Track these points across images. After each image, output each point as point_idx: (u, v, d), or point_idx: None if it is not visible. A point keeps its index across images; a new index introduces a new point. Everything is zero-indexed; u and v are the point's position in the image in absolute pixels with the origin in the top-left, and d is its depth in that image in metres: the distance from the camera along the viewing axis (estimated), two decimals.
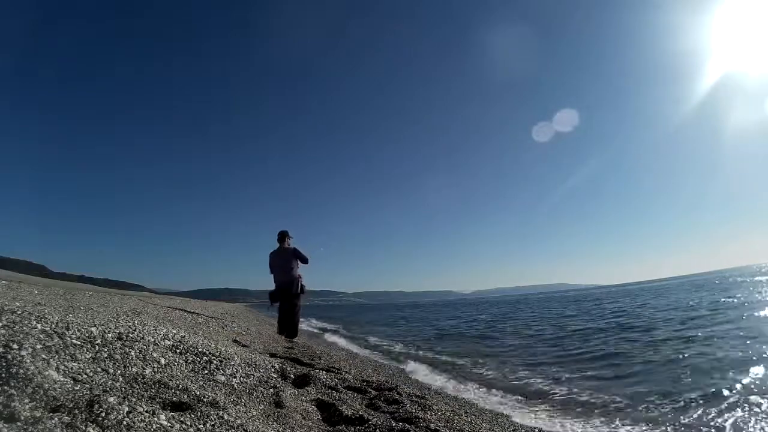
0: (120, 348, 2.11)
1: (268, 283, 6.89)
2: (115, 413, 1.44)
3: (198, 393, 1.87)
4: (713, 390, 3.87)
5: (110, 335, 2.21)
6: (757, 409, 3.29)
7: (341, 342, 9.93)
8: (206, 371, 2.33)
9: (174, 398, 1.76)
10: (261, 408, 2.11)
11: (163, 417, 1.55)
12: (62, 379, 1.60)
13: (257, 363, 2.80)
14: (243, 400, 2.12)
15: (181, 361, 2.31)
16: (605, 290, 64.67)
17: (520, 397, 4.30)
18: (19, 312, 2.13)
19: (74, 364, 1.77)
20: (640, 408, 3.63)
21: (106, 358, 1.96)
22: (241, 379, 2.43)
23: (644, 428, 3.18)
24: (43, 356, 1.71)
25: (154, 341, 2.42)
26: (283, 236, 6.90)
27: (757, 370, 4.38)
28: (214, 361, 2.48)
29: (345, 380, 3.26)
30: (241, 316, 11.89)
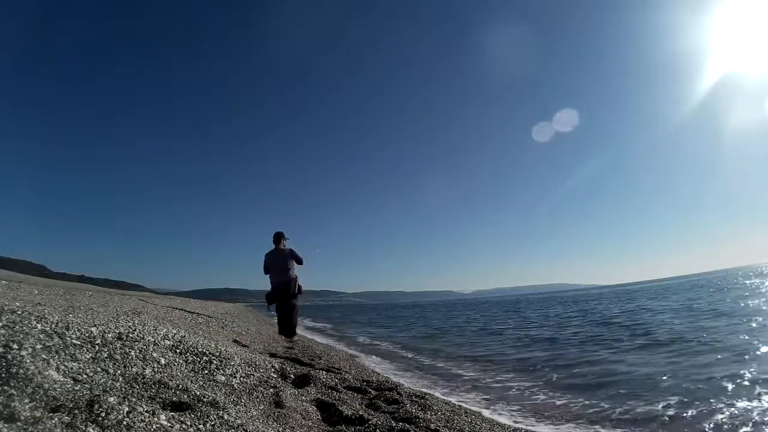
0: (120, 348, 2.11)
1: (268, 283, 6.90)
2: (115, 413, 1.44)
3: (198, 393, 1.87)
4: (702, 395, 3.78)
5: (110, 335, 2.21)
6: (749, 414, 3.23)
7: (329, 342, 10.01)
8: (206, 371, 2.33)
9: (174, 398, 1.76)
10: (261, 408, 2.11)
11: (163, 417, 1.55)
12: (62, 379, 1.60)
13: (257, 363, 2.80)
14: (243, 400, 2.12)
15: (181, 361, 2.31)
16: (605, 290, 64.67)
17: (489, 397, 4.27)
18: (19, 312, 2.13)
19: (74, 364, 1.77)
20: (622, 411, 3.54)
21: (106, 358, 1.96)
22: (241, 379, 2.43)
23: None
24: (43, 356, 1.71)
25: (154, 341, 2.42)
26: (278, 237, 6.94)
27: (753, 372, 4.36)
28: (214, 361, 2.48)
29: (345, 380, 3.26)
30: (241, 316, 11.90)
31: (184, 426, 1.55)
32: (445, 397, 4.00)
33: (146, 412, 1.53)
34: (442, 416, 2.64)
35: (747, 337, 6.43)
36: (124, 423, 1.41)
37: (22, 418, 1.28)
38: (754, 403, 3.43)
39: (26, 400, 1.38)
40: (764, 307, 10.70)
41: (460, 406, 3.60)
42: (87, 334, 2.10)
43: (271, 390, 2.42)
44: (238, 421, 1.72)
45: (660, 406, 3.59)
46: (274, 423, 1.98)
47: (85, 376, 1.70)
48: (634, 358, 5.74)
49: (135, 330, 2.47)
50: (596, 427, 3.28)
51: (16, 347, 1.67)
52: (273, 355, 3.99)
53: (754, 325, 7.75)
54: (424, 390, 4.03)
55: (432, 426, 2.33)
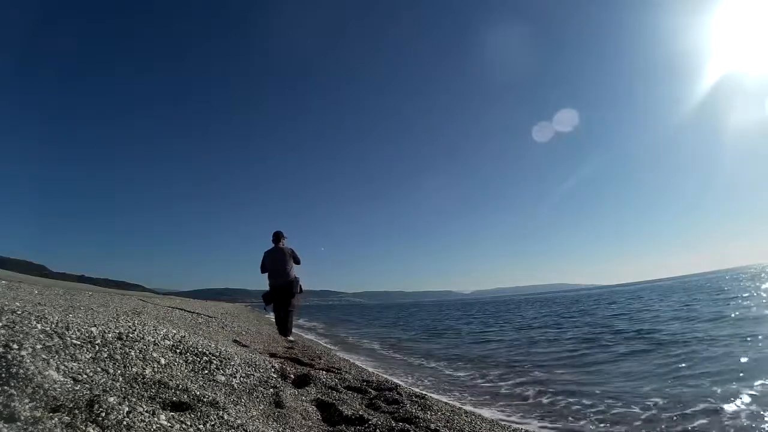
0: (120, 348, 2.11)
1: (267, 283, 6.90)
2: (115, 413, 1.44)
3: (198, 393, 1.87)
4: (685, 399, 3.77)
5: (110, 335, 2.21)
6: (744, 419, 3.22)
7: (319, 341, 10.07)
8: (206, 371, 2.33)
9: (174, 398, 1.76)
10: (261, 408, 2.11)
11: (163, 417, 1.55)
12: (62, 379, 1.60)
13: (257, 363, 2.80)
14: (243, 400, 2.12)
15: (181, 361, 2.31)
16: (605, 290, 64.61)
17: (486, 398, 4.29)
18: (19, 312, 2.13)
19: (74, 364, 1.77)
20: (617, 413, 3.54)
21: (106, 358, 1.96)
22: (241, 379, 2.43)
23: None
24: (43, 356, 1.71)
25: (154, 341, 2.42)
26: (278, 237, 6.96)
27: (750, 374, 4.34)
28: (214, 361, 2.48)
29: (345, 380, 3.26)
30: (241, 316, 11.90)
31: (184, 426, 1.55)
32: (441, 397, 4.01)
33: (146, 412, 1.53)
34: (442, 416, 2.63)
35: (736, 344, 6.29)
36: (124, 423, 1.41)
37: (22, 418, 1.28)
38: (740, 407, 3.42)
39: (26, 400, 1.38)
40: (764, 308, 10.66)
41: (459, 406, 3.61)
42: (87, 334, 2.10)
43: (271, 390, 2.42)
44: (238, 421, 1.72)
45: (655, 410, 3.59)
46: (274, 423, 1.98)
47: (85, 376, 1.70)
48: (628, 361, 5.73)
49: (135, 330, 2.47)
50: (593, 427, 3.29)
51: (16, 347, 1.67)
52: (273, 355, 3.99)
53: (753, 325, 7.72)
54: (419, 390, 4.03)
55: (432, 426, 2.33)
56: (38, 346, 1.77)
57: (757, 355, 5.28)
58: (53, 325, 2.05)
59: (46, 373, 1.58)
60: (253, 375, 2.55)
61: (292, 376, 2.97)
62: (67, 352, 1.85)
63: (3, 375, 1.47)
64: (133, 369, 1.95)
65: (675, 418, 3.30)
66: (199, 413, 1.68)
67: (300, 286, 6.84)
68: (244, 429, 1.68)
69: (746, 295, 15.91)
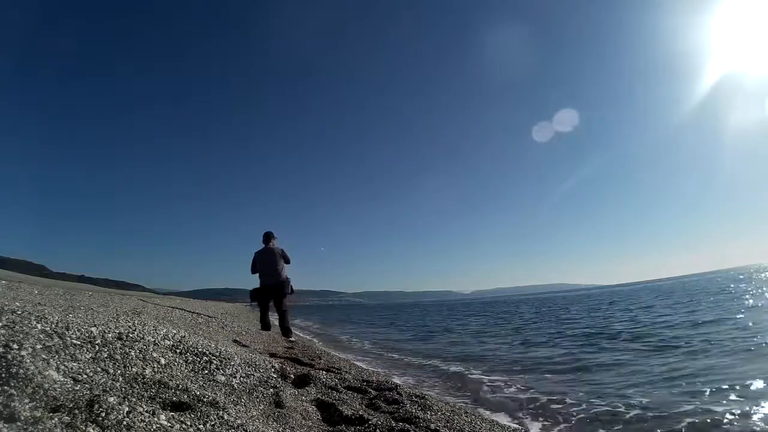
0: (120, 348, 2.11)
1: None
2: (115, 413, 1.44)
3: (198, 393, 1.87)
4: (673, 399, 3.75)
5: (110, 335, 2.21)
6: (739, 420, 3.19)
7: (315, 341, 10.08)
8: (206, 371, 2.33)
9: (174, 398, 1.76)
10: (261, 408, 2.11)
11: (163, 417, 1.55)
12: (62, 379, 1.60)
13: (257, 363, 2.80)
14: (243, 400, 2.12)
15: (181, 361, 2.31)
16: (605, 290, 64.61)
17: (485, 397, 4.26)
18: (19, 312, 2.13)
19: (74, 364, 1.77)
20: (615, 414, 3.51)
21: (106, 358, 1.96)
22: (241, 379, 2.43)
23: None
24: (43, 356, 1.71)
25: (154, 341, 2.42)
26: (268, 237, 6.99)
27: (748, 375, 4.33)
28: (214, 361, 2.48)
29: (345, 380, 3.26)
30: (241, 316, 11.90)
31: (184, 426, 1.55)
32: (441, 397, 4.01)
33: (146, 412, 1.53)
34: (442, 416, 2.63)
35: (736, 344, 6.23)
36: (124, 423, 1.41)
37: (22, 418, 1.28)
38: (728, 408, 3.40)
39: (26, 400, 1.38)
40: (763, 308, 10.66)
41: (460, 406, 3.61)
42: (87, 334, 2.10)
43: (271, 390, 2.42)
44: (238, 421, 1.72)
45: (651, 410, 3.57)
46: (274, 423, 1.98)
47: (85, 376, 1.70)
48: (628, 361, 5.71)
49: (135, 330, 2.47)
50: (592, 427, 3.29)
51: (16, 347, 1.67)
52: (273, 355, 3.99)
53: (744, 333, 7.65)
54: (419, 390, 4.02)
55: (432, 426, 2.33)
56: (38, 346, 1.77)
57: (756, 356, 5.28)
58: (53, 325, 2.05)
59: (46, 373, 1.58)
60: (253, 375, 2.55)
61: (292, 376, 2.97)
62: (67, 352, 1.85)
63: (3, 375, 1.47)
64: (133, 369, 1.95)
65: (671, 419, 3.29)
66: (199, 413, 1.68)
67: (291, 286, 6.84)
68: (244, 429, 1.68)
69: (746, 295, 15.91)
